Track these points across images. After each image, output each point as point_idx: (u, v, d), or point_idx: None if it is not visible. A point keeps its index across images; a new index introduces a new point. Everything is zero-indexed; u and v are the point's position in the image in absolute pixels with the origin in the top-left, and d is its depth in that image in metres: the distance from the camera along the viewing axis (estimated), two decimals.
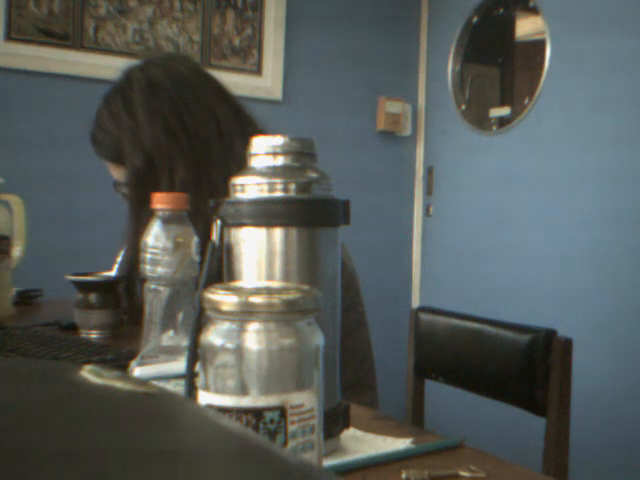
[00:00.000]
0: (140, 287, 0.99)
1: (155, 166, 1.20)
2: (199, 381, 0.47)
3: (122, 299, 1.28)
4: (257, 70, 2.93)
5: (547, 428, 1.22)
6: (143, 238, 0.79)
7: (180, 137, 1.21)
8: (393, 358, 2.51)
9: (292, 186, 0.67)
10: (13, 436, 0.21)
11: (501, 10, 3.04)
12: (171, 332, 0.78)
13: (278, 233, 0.67)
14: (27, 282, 1.70)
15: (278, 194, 0.67)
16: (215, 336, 0.45)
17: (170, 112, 1.22)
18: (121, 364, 0.90)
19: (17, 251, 1.55)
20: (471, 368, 1.39)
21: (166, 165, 1.20)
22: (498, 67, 3.14)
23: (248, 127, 1.26)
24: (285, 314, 0.45)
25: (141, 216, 1.13)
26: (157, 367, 0.76)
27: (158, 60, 1.31)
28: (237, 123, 1.25)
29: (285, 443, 0.45)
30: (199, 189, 1.17)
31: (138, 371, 0.76)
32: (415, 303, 3.30)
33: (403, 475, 0.62)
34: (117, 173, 1.29)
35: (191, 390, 0.60)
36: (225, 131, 1.23)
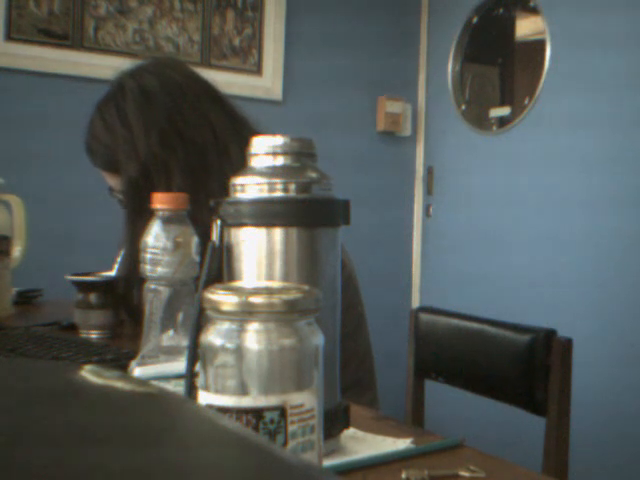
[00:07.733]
0: (139, 288, 0.99)
1: (151, 175, 1.19)
2: (199, 381, 0.47)
3: (120, 302, 1.27)
4: (257, 70, 2.93)
5: (547, 428, 1.22)
6: (143, 238, 0.79)
7: (175, 146, 1.20)
8: (393, 358, 2.51)
9: (292, 186, 0.67)
10: (13, 436, 0.21)
11: (501, 10, 3.04)
12: (171, 332, 0.78)
13: (278, 233, 0.67)
14: (27, 282, 1.70)
15: (278, 194, 0.68)
16: (215, 336, 0.45)
17: (165, 121, 1.21)
18: (121, 364, 0.90)
19: (17, 251, 1.55)
20: (471, 368, 1.39)
21: (162, 174, 1.19)
22: (498, 67, 3.14)
23: (242, 129, 1.25)
24: (285, 314, 0.45)
25: (137, 224, 1.13)
26: (157, 367, 0.76)
27: (150, 67, 1.29)
28: (231, 127, 1.24)
29: (285, 443, 0.45)
30: (196, 197, 1.16)
31: (138, 371, 0.76)
32: (415, 303, 3.30)
33: (403, 475, 0.62)
34: (113, 182, 1.28)
35: (191, 390, 0.60)
36: (220, 137, 1.22)
